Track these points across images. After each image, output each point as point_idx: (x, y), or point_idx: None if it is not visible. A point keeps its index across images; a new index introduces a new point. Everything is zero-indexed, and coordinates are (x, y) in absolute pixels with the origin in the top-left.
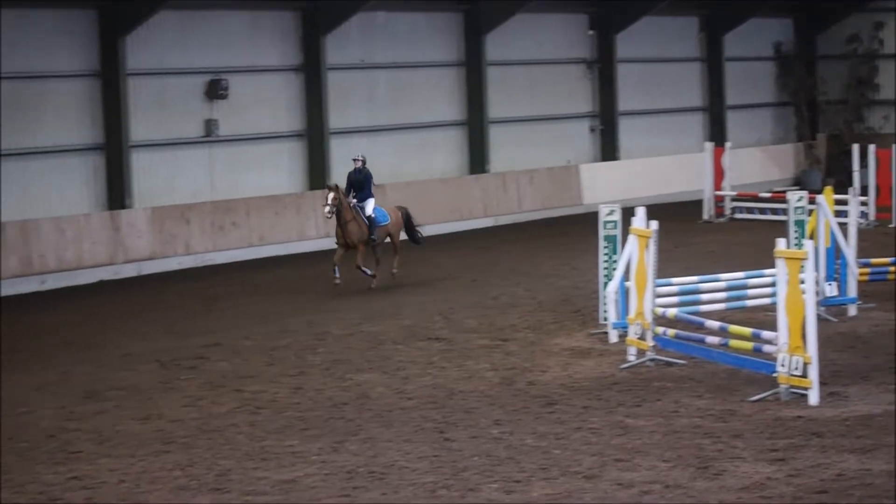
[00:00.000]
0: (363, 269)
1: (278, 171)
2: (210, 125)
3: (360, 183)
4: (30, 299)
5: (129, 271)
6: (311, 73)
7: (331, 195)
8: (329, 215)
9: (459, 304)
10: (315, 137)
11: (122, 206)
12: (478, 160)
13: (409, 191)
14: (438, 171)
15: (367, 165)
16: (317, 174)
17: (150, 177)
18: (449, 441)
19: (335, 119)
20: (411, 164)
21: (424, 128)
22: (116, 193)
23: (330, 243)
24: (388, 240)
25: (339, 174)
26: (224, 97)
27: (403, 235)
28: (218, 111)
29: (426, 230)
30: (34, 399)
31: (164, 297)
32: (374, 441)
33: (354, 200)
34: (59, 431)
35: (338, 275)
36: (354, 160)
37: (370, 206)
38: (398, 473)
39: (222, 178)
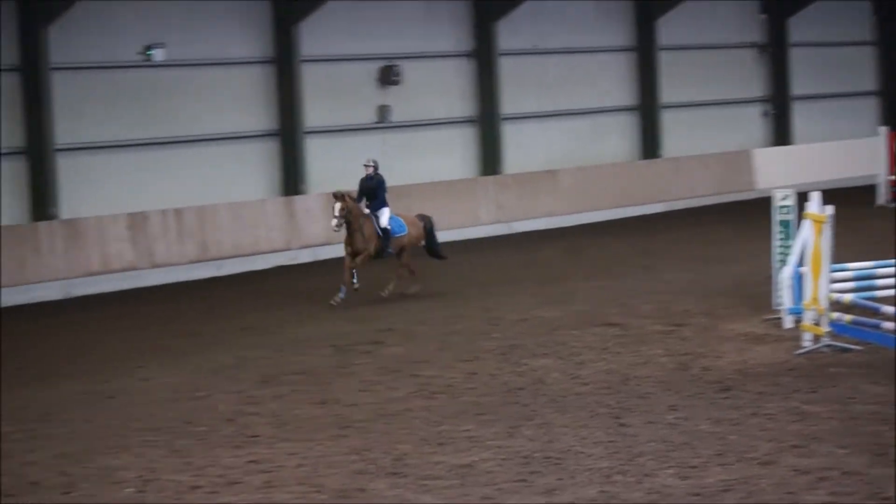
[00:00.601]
0: (352, 274)
1: (451, 156)
2: (383, 111)
3: (373, 190)
4: (207, 284)
5: (304, 256)
6: (483, 59)
7: (338, 205)
8: (337, 228)
9: (633, 289)
10: (487, 123)
11: (297, 192)
12: (650, 145)
13: (581, 176)
14: (610, 157)
15: (384, 171)
16: (489, 159)
17: (325, 162)
18: (624, 426)
19: (507, 105)
20: (583, 150)
21: (596, 113)
22: (291, 179)
23: (501, 229)
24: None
25: (511, 160)
26: (397, 83)
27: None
28: (391, 97)
29: (599, 215)
30: (212, 383)
31: (339, 282)
32: (550, 426)
33: (367, 210)
34: (238, 415)
35: (355, 279)
36: (366, 166)
37: (385, 217)
38: (574, 458)
39: (395, 164)
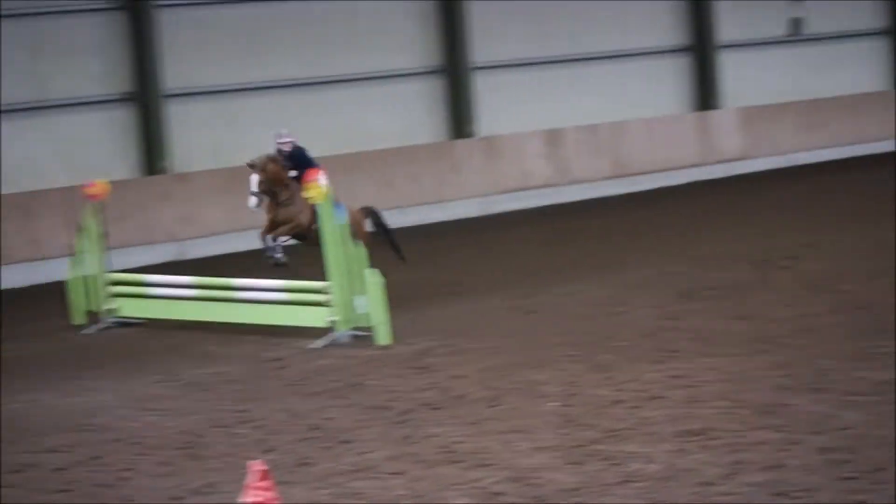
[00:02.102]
0: (269, 246)
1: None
2: (796, 24)
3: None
4: (621, 200)
5: (718, 172)
6: None
7: (254, 178)
8: (256, 207)
9: None
10: None
11: (711, 107)
12: None
13: None
14: None
15: None
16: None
17: (739, 77)
18: None
19: None
20: None
21: None
22: (705, 94)
23: None
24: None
25: None
26: None
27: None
28: (804, 9)
29: None
30: (631, 298)
31: (755, 197)
32: None
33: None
34: (657, 330)
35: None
36: (279, 142)
37: None
38: None
39: (808, 78)
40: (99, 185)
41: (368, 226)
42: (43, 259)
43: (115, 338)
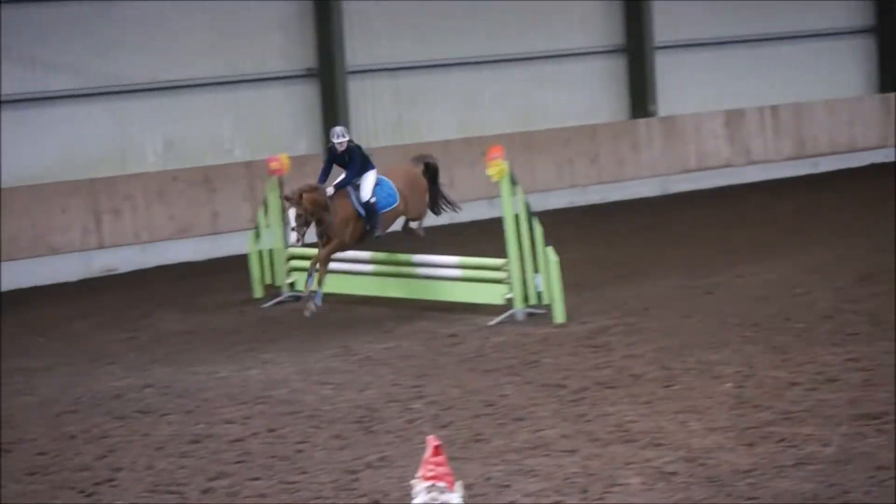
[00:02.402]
0: (310, 274)
1: None
2: None
3: (344, 166)
4: (802, 182)
5: None
6: None
7: (292, 212)
8: (299, 243)
9: None
10: None
11: (894, 90)
12: None
13: None
14: None
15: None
16: None
17: None
18: None
19: None
20: None
21: None
22: (888, 77)
23: None
24: (412, 224)
25: None
26: None
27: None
28: None
29: None
30: (810, 280)
31: None
32: None
33: (331, 189)
34: (836, 312)
35: (312, 282)
36: (334, 143)
37: (368, 185)
38: None
39: None
40: (281, 159)
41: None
42: (223, 233)
43: (293, 312)
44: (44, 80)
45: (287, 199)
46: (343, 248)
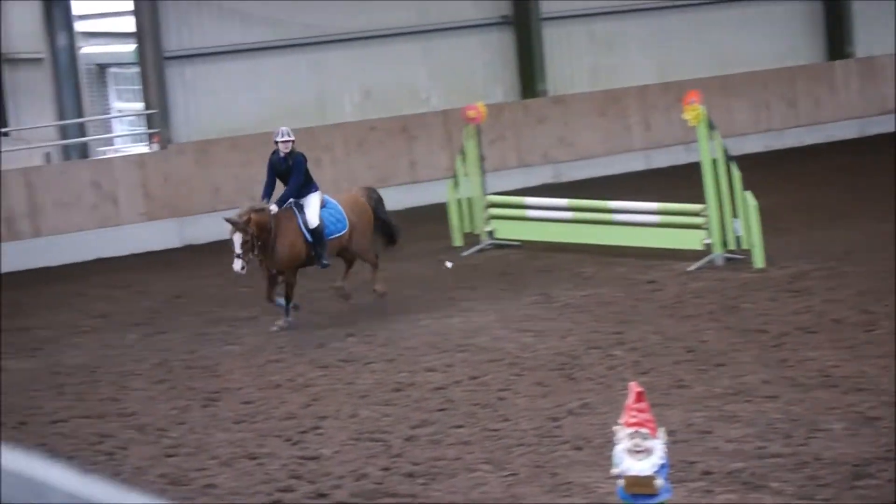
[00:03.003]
0: (276, 301)
1: None
2: None
3: (287, 175)
4: None
5: None
6: None
7: (237, 237)
8: (242, 270)
9: None
10: None
11: None
12: None
13: None
14: None
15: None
16: None
17: None
18: None
19: None
20: None
21: None
22: None
23: None
24: (377, 287)
25: None
26: None
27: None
28: None
29: None
30: None
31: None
32: None
33: (274, 207)
34: None
35: (288, 317)
36: (278, 142)
37: (314, 208)
38: None
39: None
40: (478, 108)
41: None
42: (421, 182)
43: (493, 259)
44: (241, 33)
45: (232, 223)
46: (292, 280)
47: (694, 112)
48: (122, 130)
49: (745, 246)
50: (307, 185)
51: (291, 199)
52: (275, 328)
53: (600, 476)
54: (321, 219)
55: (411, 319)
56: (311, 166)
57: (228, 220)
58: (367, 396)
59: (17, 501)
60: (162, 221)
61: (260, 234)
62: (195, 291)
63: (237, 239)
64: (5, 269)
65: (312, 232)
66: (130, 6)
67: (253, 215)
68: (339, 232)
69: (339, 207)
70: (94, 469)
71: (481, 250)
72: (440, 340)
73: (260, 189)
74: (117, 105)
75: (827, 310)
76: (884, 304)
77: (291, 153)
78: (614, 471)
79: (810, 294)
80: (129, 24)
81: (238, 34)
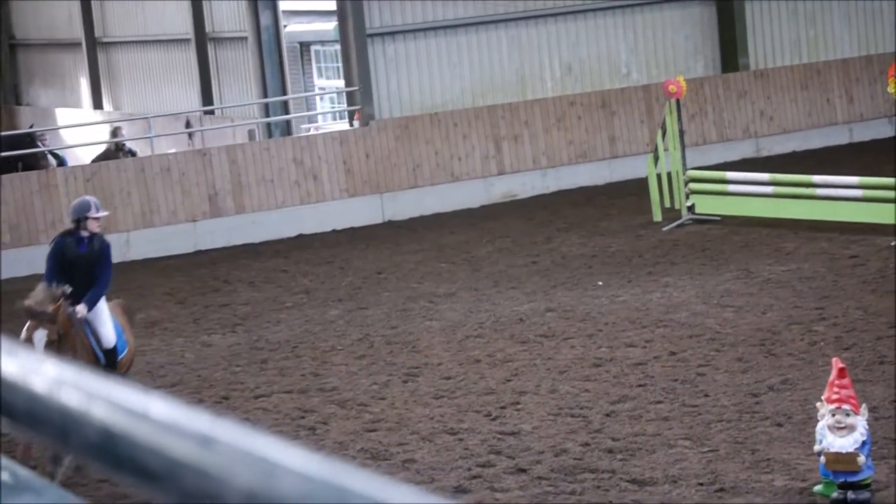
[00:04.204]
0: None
1: None
2: None
3: (88, 267)
4: None
5: None
6: None
7: (39, 335)
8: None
9: None
10: None
11: None
12: None
13: None
14: None
15: None
16: None
17: None
18: None
19: None
20: None
21: None
22: None
23: None
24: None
25: None
26: None
27: None
28: None
29: None
30: None
31: None
32: None
33: (83, 310)
34: None
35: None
36: (87, 219)
37: (108, 323)
38: None
39: None
40: (678, 82)
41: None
42: (621, 157)
43: (693, 234)
44: (443, 10)
45: (34, 314)
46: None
47: None
48: (325, 108)
49: None
50: (102, 286)
51: (75, 310)
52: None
53: (801, 453)
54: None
55: (610, 295)
56: (510, 143)
57: (29, 311)
58: (566, 372)
59: None
60: (363, 198)
61: (65, 334)
62: (396, 267)
63: (39, 337)
64: (211, 245)
65: (107, 353)
66: None
67: (61, 305)
68: (124, 350)
69: (116, 320)
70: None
71: (681, 225)
72: (639, 316)
73: (459, 163)
74: (319, 82)
75: None
76: None
77: (96, 235)
78: (816, 447)
79: None
80: (331, 3)
81: (440, 11)
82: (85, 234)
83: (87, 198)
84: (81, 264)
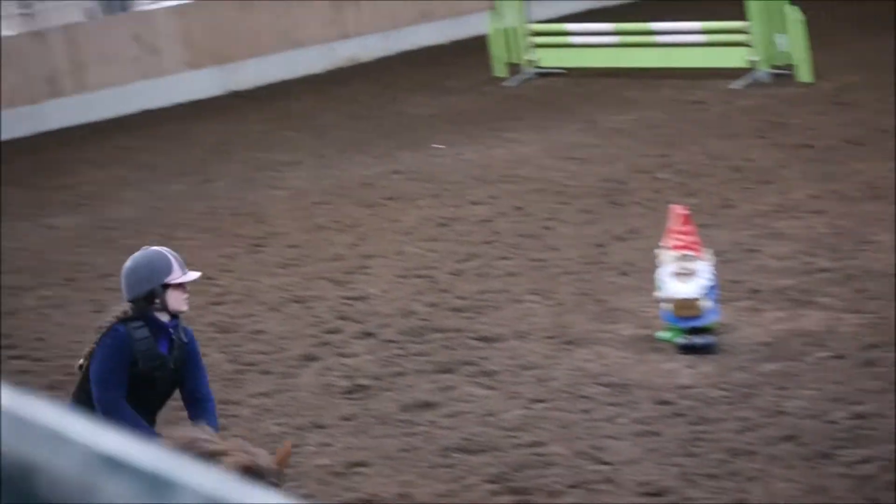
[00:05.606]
0: None
1: None
2: None
3: (175, 369)
4: None
5: None
6: None
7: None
8: None
9: None
10: None
11: None
12: None
13: None
14: None
15: None
16: None
17: None
18: None
19: None
20: None
21: None
22: None
23: None
24: None
25: None
26: None
27: None
28: None
29: None
30: None
31: None
32: None
33: (242, 443)
34: None
35: None
36: (157, 290)
37: None
38: None
39: None
40: None
41: None
42: (463, 14)
43: (536, 89)
44: None
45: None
46: None
47: None
48: None
49: (790, 61)
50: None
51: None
52: None
53: (646, 300)
54: None
55: (455, 153)
56: (352, 7)
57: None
58: (412, 233)
59: None
60: (205, 70)
61: None
62: (241, 138)
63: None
64: (50, 127)
65: None
66: None
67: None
68: None
69: None
70: None
71: (525, 80)
72: (485, 173)
73: (301, 30)
74: None
75: (875, 121)
76: None
77: (186, 333)
78: (657, 294)
79: (857, 106)
80: None
81: None
82: (164, 318)
83: (161, 250)
84: (165, 373)
